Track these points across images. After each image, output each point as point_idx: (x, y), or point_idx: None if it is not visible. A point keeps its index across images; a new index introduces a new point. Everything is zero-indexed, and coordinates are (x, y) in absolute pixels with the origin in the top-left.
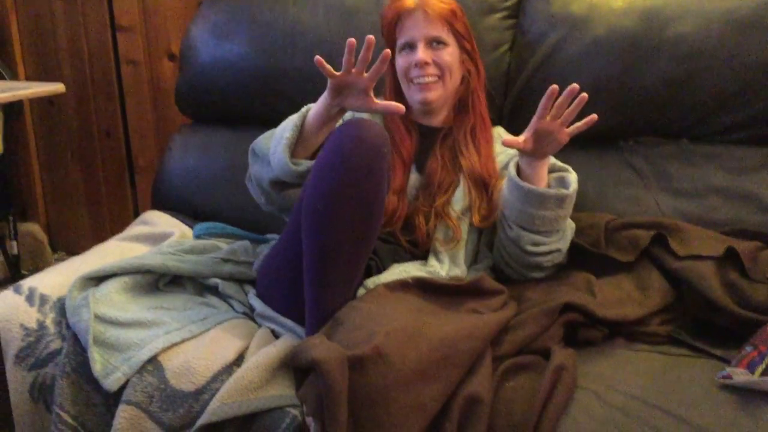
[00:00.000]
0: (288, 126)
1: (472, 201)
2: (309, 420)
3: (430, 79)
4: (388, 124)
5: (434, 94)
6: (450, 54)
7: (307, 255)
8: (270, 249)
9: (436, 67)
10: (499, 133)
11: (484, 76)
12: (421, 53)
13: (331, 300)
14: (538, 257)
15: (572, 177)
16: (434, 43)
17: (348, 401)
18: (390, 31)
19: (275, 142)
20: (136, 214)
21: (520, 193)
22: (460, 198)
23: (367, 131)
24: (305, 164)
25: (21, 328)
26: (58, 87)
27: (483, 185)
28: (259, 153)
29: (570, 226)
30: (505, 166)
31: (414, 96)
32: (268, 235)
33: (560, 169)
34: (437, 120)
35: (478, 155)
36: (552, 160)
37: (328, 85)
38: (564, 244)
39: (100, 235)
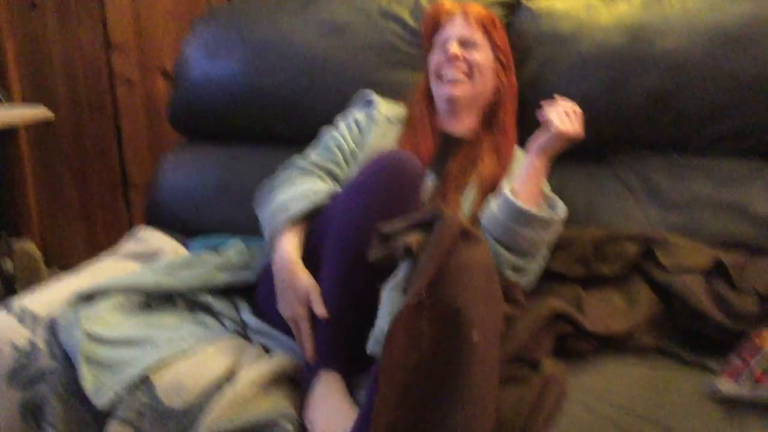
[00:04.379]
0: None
1: (476, 207)
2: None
3: (459, 76)
4: (413, 126)
5: (460, 91)
6: (481, 56)
7: (328, 274)
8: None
9: (465, 64)
10: (517, 155)
11: (516, 94)
12: (453, 48)
13: (349, 318)
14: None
15: (561, 205)
16: (467, 43)
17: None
18: (428, 34)
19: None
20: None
21: (510, 210)
22: (467, 204)
23: (405, 161)
24: None
25: (12, 348)
26: (45, 113)
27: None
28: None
29: (544, 255)
30: None
31: (441, 92)
32: None
33: (551, 198)
34: (462, 126)
35: (495, 165)
36: (546, 190)
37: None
38: (534, 272)
39: (94, 252)
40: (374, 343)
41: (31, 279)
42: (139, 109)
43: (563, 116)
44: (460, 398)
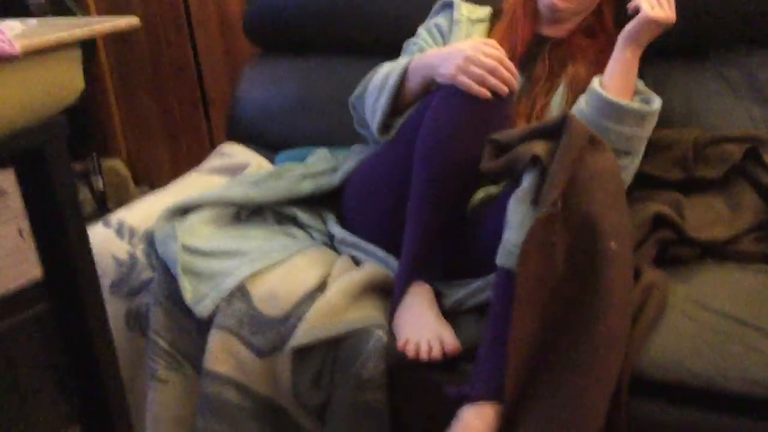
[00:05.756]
0: (381, 101)
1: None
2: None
3: None
4: (507, 23)
5: (565, 4)
6: None
7: (419, 181)
8: (361, 170)
9: None
10: None
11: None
12: None
13: (438, 227)
14: None
15: (657, 98)
16: None
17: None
18: None
19: (369, 115)
20: (212, 147)
21: (600, 104)
22: (556, 105)
23: None
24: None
25: (113, 260)
26: (131, 20)
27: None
28: (359, 109)
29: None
30: None
31: None
32: (355, 147)
33: (645, 92)
34: (559, 31)
35: (589, 70)
36: (640, 85)
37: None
38: (632, 171)
39: (178, 168)
40: (505, 255)
41: (120, 197)
42: (214, 24)
43: (653, 1)
44: (601, 308)
